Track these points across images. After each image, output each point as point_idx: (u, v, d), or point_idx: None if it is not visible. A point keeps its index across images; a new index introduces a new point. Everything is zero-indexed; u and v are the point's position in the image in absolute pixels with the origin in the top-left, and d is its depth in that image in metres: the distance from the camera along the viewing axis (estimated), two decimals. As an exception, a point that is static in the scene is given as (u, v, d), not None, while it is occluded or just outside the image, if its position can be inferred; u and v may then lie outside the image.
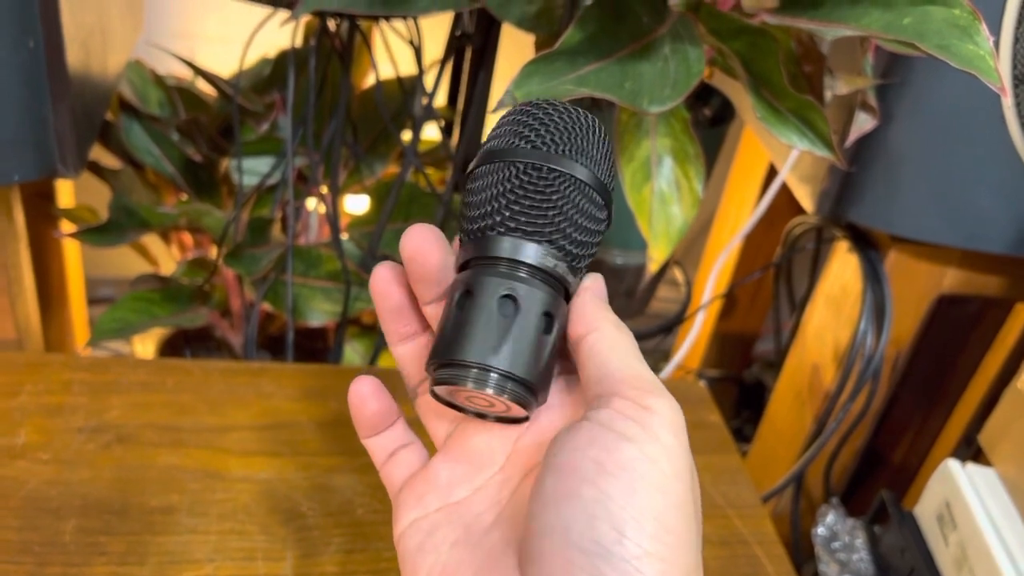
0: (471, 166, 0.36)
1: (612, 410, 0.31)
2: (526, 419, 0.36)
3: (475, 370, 0.33)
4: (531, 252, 0.34)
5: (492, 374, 0.33)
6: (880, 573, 0.76)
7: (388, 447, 0.39)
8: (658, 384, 0.33)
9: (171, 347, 1.09)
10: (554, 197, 0.34)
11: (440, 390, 0.35)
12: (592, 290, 0.36)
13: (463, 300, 0.34)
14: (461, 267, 0.36)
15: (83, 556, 0.51)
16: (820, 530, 0.80)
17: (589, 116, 0.36)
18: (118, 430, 0.60)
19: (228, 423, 0.63)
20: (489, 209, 0.34)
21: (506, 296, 0.33)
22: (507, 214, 0.34)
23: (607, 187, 0.36)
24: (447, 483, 0.37)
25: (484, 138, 0.38)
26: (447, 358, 0.33)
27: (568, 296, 0.36)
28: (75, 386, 0.63)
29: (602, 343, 0.34)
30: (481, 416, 0.37)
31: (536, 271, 0.34)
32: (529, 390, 0.33)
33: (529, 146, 0.35)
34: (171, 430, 0.61)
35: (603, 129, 0.37)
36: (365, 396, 0.38)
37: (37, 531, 0.52)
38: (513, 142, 0.35)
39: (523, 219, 0.34)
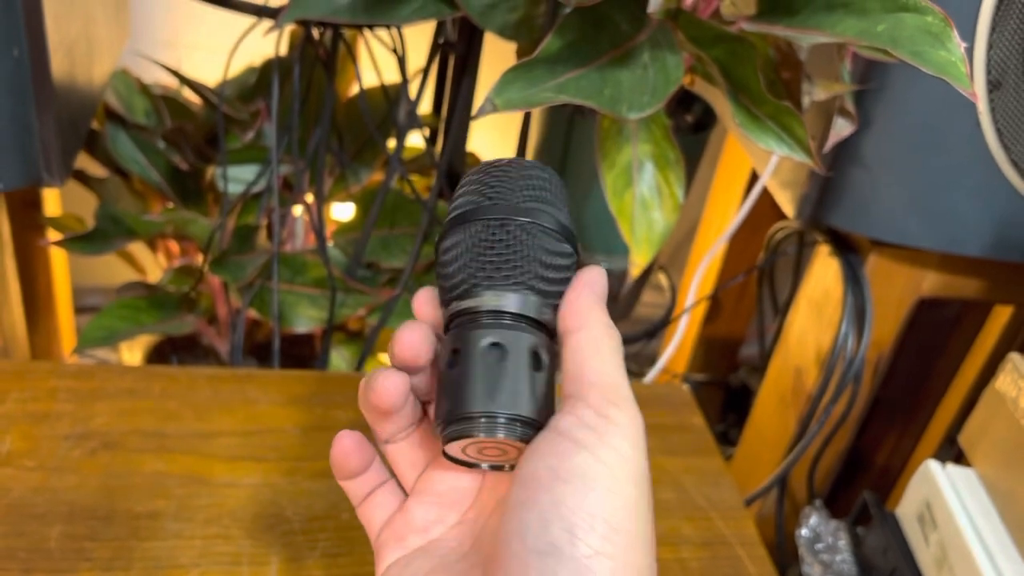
0: (441, 239, 0.38)
1: (574, 417, 0.33)
2: None
3: (483, 420, 0.33)
4: (510, 300, 0.35)
5: (499, 419, 0.33)
6: (863, 574, 0.76)
7: (365, 489, 0.40)
8: (625, 394, 0.34)
9: (158, 355, 1.09)
10: (515, 244, 0.35)
11: (452, 448, 0.35)
12: (589, 285, 0.36)
13: (453, 359, 0.35)
14: (446, 327, 0.37)
15: (69, 562, 0.52)
16: (804, 531, 0.81)
17: (538, 165, 0.38)
18: (104, 437, 0.61)
19: (214, 429, 0.63)
20: (459, 268, 0.36)
21: (493, 344, 0.34)
22: (476, 267, 0.36)
23: (567, 225, 0.37)
24: (423, 524, 0.38)
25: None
26: (454, 415, 0.34)
27: (552, 333, 0.36)
28: (61, 393, 0.63)
29: (586, 342, 0.34)
30: (497, 468, 0.37)
31: (518, 317, 0.35)
32: (535, 428, 0.34)
33: (484, 203, 0.36)
34: (157, 436, 0.61)
35: (554, 173, 0.39)
36: (348, 452, 0.39)
37: (22, 537, 0.53)
38: (468, 205, 0.37)
39: (492, 270, 0.35)
